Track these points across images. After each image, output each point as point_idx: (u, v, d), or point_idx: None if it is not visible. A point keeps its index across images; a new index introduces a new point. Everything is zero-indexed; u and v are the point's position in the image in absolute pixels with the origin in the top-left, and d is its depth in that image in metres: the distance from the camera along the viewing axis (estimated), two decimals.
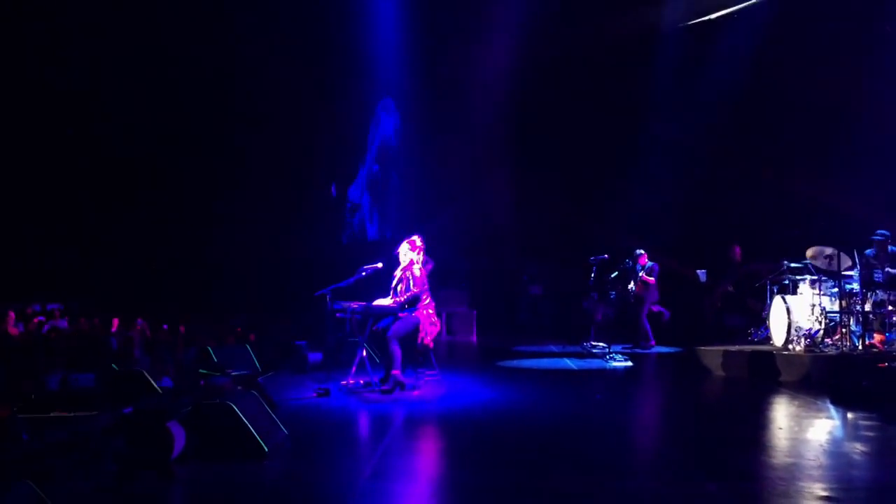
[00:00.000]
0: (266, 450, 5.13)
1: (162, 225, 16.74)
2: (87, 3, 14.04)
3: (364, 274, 8.50)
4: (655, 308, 12.62)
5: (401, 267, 8.45)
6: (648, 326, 12.33)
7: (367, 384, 8.25)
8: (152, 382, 7.33)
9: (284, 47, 14.62)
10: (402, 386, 8.00)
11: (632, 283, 12.48)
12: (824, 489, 4.54)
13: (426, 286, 8.41)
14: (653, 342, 12.30)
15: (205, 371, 7.34)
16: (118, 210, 16.68)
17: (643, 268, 12.43)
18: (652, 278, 12.33)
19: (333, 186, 17.32)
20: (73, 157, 16.28)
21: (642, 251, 12.55)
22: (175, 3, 14.26)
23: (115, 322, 13.13)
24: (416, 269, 8.36)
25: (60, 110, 15.46)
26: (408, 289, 8.28)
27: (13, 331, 11.75)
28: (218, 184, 16.35)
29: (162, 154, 16.32)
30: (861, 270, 8.95)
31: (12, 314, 12.28)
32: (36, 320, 12.91)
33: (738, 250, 12.18)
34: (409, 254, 8.45)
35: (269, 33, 14.51)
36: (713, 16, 13.91)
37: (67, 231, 16.45)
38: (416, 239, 8.56)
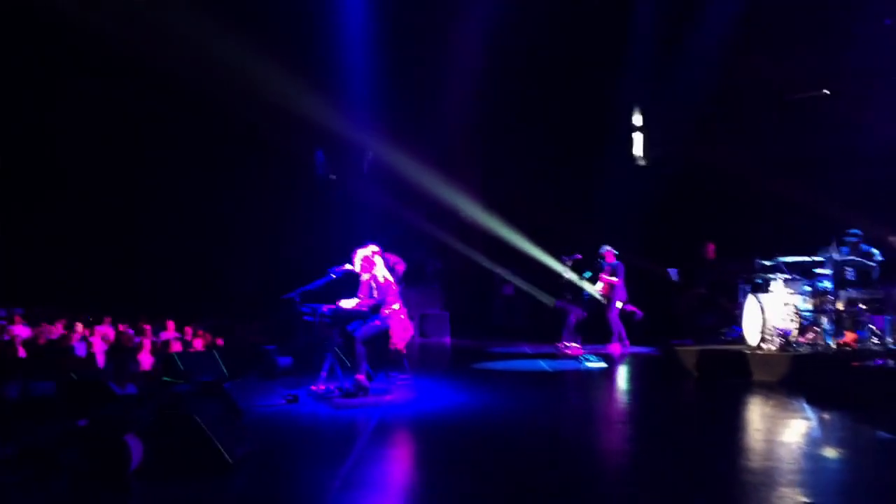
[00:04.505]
0: (230, 462, 4.92)
1: (128, 229, 16.41)
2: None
3: (333, 276, 8.30)
4: (628, 307, 12.55)
5: (365, 275, 8.27)
6: (622, 327, 12.25)
7: (338, 389, 8.06)
8: (113, 391, 7.07)
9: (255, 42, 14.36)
10: (365, 390, 7.83)
11: (598, 283, 12.40)
12: (804, 494, 4.45)
13: (393, 291, 8.23)
14: (627, 343, 12.24)
15: (169, 379, 7.12)
16: (83, 212, 16.31)
17: (609, 265, 12.33)
18: (615, 278, 12.23)
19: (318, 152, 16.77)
20: (38, 158, 15.90)
21: (608, 247, 12.42)
22: None
23: (79, 327, 12.80)
24: (381, 277, 8.19)
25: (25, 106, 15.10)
26: (371, 295, 8.12)
27: None
28: (184, 187, 16.04)
29: (129, 155, 15.99)
30: (834, 269, 8.96)
31: None
32: None
33: (711, 248, 12.11)
34: (369, 261, 8.27)
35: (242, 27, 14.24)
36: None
37: (31, 233, 16.05)
38: (373, 247, 8.38)
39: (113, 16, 13.62)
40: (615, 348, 12.05)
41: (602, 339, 12.27)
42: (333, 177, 16.26)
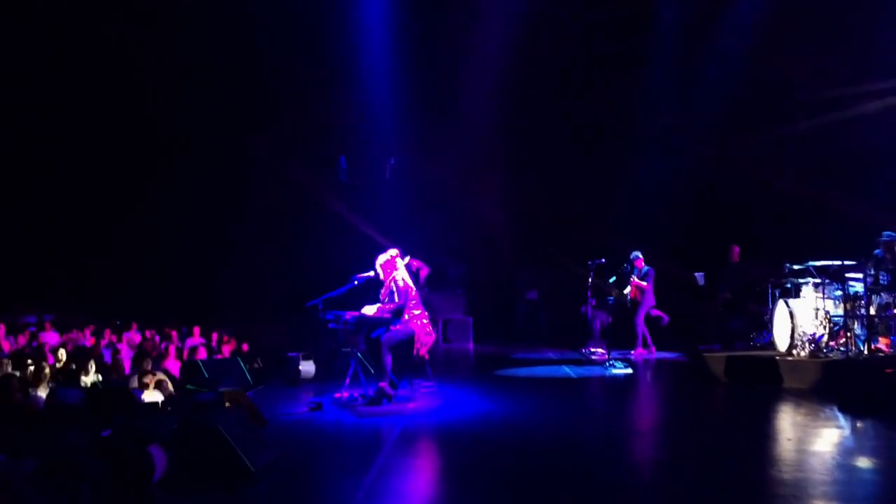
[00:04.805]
0: (253, 471, 4.90)
1: (154, 236, 16.55)
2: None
3: (356, 283, 8.29)
4: (654, 312, 12.40)
5: (387, 278, 8.25)
6: (647, 333, 12.11)
7: (362, 396, 8.03)
8: (138, 399, 7.09)
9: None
10: (388, 397, 7.79)
11: (627, 287, 12.29)
12: None
13: (413, 296, 8.17)
14: (653, 349, 12.09)
15: (193, 387, 7.13)
16: (111, 221, 16.51)
17: (639, 271, 12.23)
18: (645, 283, 12.10)
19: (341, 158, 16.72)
20: (67, 168, 16.10)
21: (639, 253, 12.31)
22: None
23: (107, 333, 12.93)
24: (400, 280, 8.16)
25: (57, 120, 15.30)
26: (392, 299, 8.09)
27: (5, 345, 11.53)
28: (207, 194, 16.14)
29: (154, 166, 16.13)
30: (868, 272, 8.76)
31: (2, 327, 12.08)
32: (28, 332, 12.69)
33: (736, 250, 11.91)
34: (390, 264, 8.25)
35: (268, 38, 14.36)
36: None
37: (60, 242, 16.27)
38: (393, 251, 8.35)
39: (132, 25, 13.76)
40: (639, 353, 11.92)
41: (628, 345, 12.15)
42: (356, 182, 16.27)
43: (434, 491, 5.17)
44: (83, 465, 4.64)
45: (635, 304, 12.16)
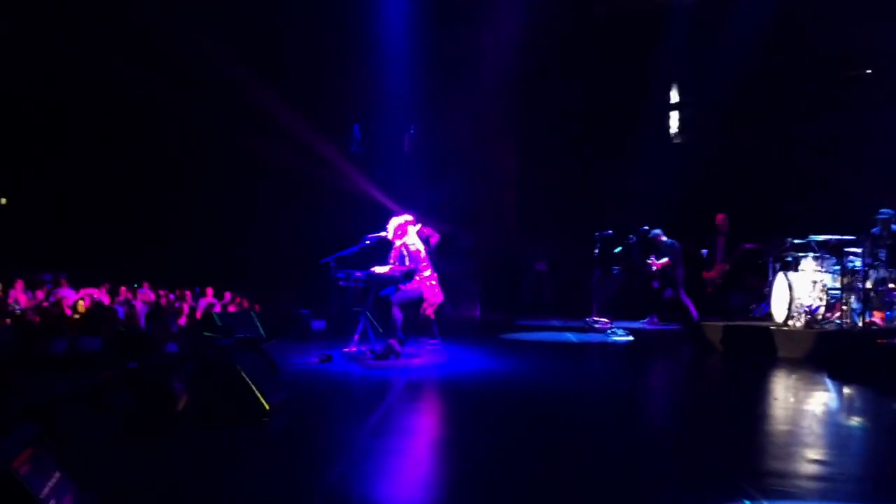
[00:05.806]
0: (267, 408, 5.20)
1: (169, 195, 16.80)
2: None
3: (368, 242, 8.58)
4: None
5: (397, 241, 8.54)
6: (689, 302, 12.18)
7: (370, 351, 8.34)
8: (158, 344, 7.41)
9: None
10: (396, 354, 8.09)
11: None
12: (817, 453, 4.62)
13: (424, 258, 8.49)
14: (695, 315, 12.20)
15: (209, 333, 7.43)
16: (126, 179, 16.76)
17: (663, 245, 12.21)
18: (666, 259, 12.11)
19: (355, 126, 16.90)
20: (83, 124, 16.31)
21: (658, 231, 12.28)
22: None
23: (122, 290, 13.26)
24: (412, 245, 8.46)
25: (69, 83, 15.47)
26: (402, 262, 8.38)
27: (22, 298, 11.91)
28: (220, 161, 16.36)
29: (169, 122, 16.29)
30: (866, 248, 8.95)
31: (20, 282, 12.44)
32: (45, 288, 13.05)
33: (720, 217, 11.98)
34: (402, 228, 8.56)
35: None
36: None
37: (75, 200, 16.55)
38: (408, 216, 8.65)
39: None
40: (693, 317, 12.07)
41: (632, 316, 12.38)
42: (365, 153, 16.49)
43: (435, 428, 5.48)
44: (111, 395, 4.97)
45: (672, 280, 12.18)
